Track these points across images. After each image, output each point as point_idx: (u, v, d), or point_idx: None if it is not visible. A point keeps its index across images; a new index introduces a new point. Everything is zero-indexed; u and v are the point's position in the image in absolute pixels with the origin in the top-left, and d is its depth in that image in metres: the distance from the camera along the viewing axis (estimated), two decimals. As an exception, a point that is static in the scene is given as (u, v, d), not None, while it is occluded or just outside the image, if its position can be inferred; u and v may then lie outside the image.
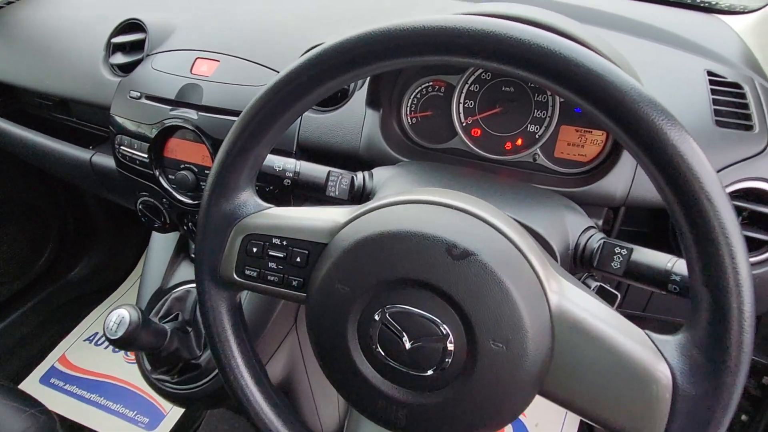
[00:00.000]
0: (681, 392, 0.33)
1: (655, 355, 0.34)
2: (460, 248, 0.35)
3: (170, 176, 0.73)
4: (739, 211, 0.55)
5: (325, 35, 0.69)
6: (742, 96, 0.62)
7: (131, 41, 0.79)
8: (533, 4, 0.71)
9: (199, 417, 1.24)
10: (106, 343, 1.44)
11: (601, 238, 0.48)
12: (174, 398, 0.80)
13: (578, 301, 0.36)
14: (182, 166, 0.72)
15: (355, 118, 0.65)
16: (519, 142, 0.64)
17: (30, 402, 0.82)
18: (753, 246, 0.55)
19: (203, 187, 0.70)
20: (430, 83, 0.67)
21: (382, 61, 0.35)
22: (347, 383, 0.41)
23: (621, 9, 0.79)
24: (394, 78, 0.66)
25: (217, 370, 0.78)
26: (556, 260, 0.47)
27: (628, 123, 0.30)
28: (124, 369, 1.38)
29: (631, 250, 0.45)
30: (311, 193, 0.56)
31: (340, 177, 0.55)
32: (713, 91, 0.61)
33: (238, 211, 0.44)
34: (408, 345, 0.37)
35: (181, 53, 0.73)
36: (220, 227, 0.44)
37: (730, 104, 0.62)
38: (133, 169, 0.75)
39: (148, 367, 0.79)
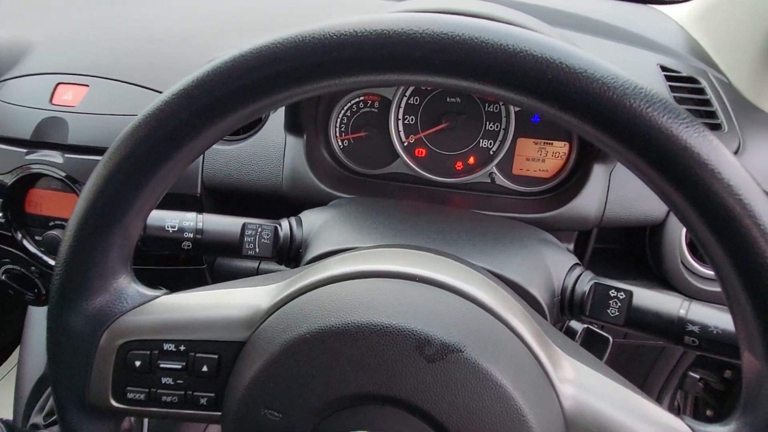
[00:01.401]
0: None
1: None
2: (436, 344, 0.25)
3: (36, 237, 0.57)
4: None
5: (221, 47, 0.55)
6: (701, 91, 0.56)
7: (-31, 65, 0.61)
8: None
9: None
10: None
11: (591, 279, 0.39)
12: None
13: (595, 389, 0.27)
14: (51, 223, 0.56)
15: (274, 148, 0.53)
16: (471, 160, 0.55)
17: None
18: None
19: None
20: (361, 98, 0.55)
21: (301, 85, 0.24)
22: None
23: (558, 3, 0.72)
24: (316, 95, 0.54)
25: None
26: (544, 316, 0.37)
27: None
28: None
29: (630, 294, 0.36)
30: (223, 257, 0.43)
31: (258, 230, 0.42)
32: (671, 88, 0.56)
33: (108, 310, 0.30)
34: None
35: (37, 78, 0.57)
36: (82, 339, 0.30)
37: (689, 101, 0.57)
38: (-14, 232, 0.58)
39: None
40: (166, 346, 0.30)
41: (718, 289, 0.24)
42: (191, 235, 0.41)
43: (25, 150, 0.54)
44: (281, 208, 0.50)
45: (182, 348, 0.30)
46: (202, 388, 0.30)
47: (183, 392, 0.30)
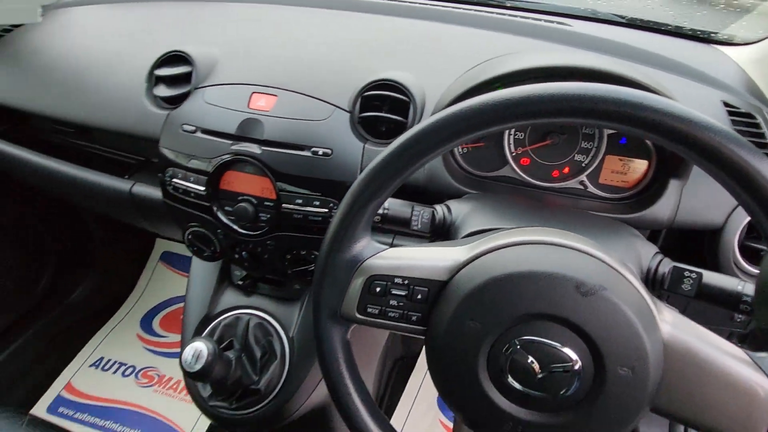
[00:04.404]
0: None
1: (755, 371, 0.40)
2: (588, 285, 0.40)
3: (227, 208, 0.74)
4: None
5: (380, 70, 0.72)
6: (757, 126, 0.70)
7: (175, 74, 0.79)
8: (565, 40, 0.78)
9: (222, 436, 1.24)
10: (114, 368, 1.42)
11: (670, 263, 0.54)
12: (229, 423, 0.81)
13: (684, 327, 0.42)
14: (240, 198, 0.73)
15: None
16: (566, 170, 0.70)
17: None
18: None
19: (262, 218, 0.73)
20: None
21: (518, 121, 0.40)
22: (473, 408, 0.45)
23: (626, 38, 0.85)
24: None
25: (274, 394, 0.80)
26: None
27: None
28: (137, 393, 1.35)
29: (701, 274, 0.51)
30: (395, 227, 0.59)
31: (422, 212, 0.59)
32: (732, 122, 0.69)
33: (360, 256, 0.48)
34: (539, 372, 0.42)
35: (234, 87, 0.74)
36: (343, 271, 0.47)
37: (747, 134, 0.70)
38: (186, 201, 0.76)
39: (204, 394, 0.80)
40: (396, 280, 0.47)
41: None
42: (381, 211, 0.58)
43: (230, 142, 0.71)
44: (415, 199, 0.65)
45: (406, 282, 0.47)
46: (415, 310, 0.47)
47: (402, 311, 0.47)
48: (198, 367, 0.64)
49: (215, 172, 0.72)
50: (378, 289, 0.47)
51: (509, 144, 0.71)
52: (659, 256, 0.55)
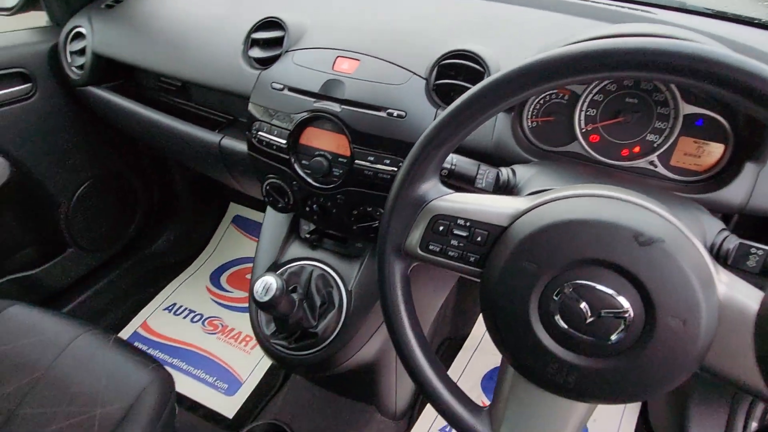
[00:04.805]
0: None
1: None
2: (647, 236, 0.42)
3: (303, 162, 0.81)
4: None
5: (458, 43, 0.75)
6: None
7: (269, 38, 0.87)
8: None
9: (274, 387, 1.33)
10: (184, 314, 1.55)
11: (737, 239, 0.53)
12: (286, 362, 0.88)
13: (740, 288, 0.42)
14: (317, 153, 0.79)
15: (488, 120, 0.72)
16: (636, 149, 0.70)
17: (148, 357, 0.91)
18: None
19: (335, 173, 0.78)
20: (555, 91, 0.73)
21: (603, 72, 0.41)
22: (520, 348, 0.48)
23: (713, 29, 0.83)
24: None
25: (329, 340, 0.86)
26: None
27: None
28: (203, 338, 1.48)
29: (767, 251, 0.51)
30: (460, 184, 0.63)
31: (487, 171, 0.62)
32: None
33: (427, 195, 0.52)
34: (589, 316, 0.44)
35: (321, 51, 0.81)
36: (411, 207, 0.51)
37: None
38: (268, 154, 0.83)
39: (267, 332, 0.87)
40: (459, 221, 0.50)
41: None
42: (449, 166, 0.61)
43: (313, 99, 0.78)
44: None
45: (468, 224, 0.50)
46: (474, 251, 0.50)
47: (461, 252, 0.51)
48: (267, 298, 0.71)
49: (297, 127, 0.78)
50: (441, 228, 0.51)
51: (580, 120, 0.72)
52: (725, 233, 0.55)
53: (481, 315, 1.46)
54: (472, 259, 0.50)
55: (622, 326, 0.43)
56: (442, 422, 1.22)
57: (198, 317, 1.54)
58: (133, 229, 1.57)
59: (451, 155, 0.63)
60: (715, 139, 0.66)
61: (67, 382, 0.84)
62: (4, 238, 1.28)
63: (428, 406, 1.24)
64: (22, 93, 1.15)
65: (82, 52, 1.13)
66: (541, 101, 0.74)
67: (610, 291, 0.43)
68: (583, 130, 0.72)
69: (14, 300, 0.95)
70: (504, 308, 0.48)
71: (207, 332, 1.49)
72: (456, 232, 0.50)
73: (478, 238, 0.50)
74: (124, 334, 1.48)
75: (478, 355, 1.39)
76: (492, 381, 1.32)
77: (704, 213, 0.57)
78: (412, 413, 1.25)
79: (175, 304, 1.58)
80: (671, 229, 0.43)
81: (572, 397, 0.47)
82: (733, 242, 0.53)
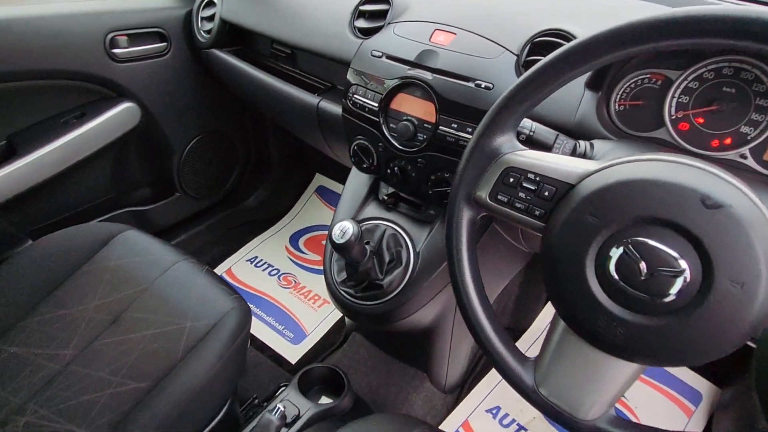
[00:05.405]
0: None
1: None
2: (714, 200, 0.43)
3: (391, 125, 0.88)
4: None
5: (553, 23, 0.78)
6: None
7: (375, 10, 0.94)
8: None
9: (335, 343, 1.42)
10: (263, 267, 1.70)
11: None
12: (351, 310, 0.96)
13: None
14: (404, 118, 0.85)
15: (572, 97, 0.74)
16: (727, 141, 0.68)
17: (232, 289, 1.03)
18: None
19: (419, 137, 0.84)
20: (648, 75, 0.73)
21: (683, 38, 0.43)
22: (572, 300, 0.50)
23: None
24: (618, 65, 0.73)
25: (393, 295, 0.92)
26: None
27: None
28: (277, 291, 1.61)
29: None
30: (537, 149, 0.66)
31: (565, 141, 0.64)
32: None
33: (503, 147, 0.56)
34: (644, 273, 0.45)
35: (421, 24, 0.87)
36: (486, 157, 0.56)
37: None
38: (360, 116, 0.91)
39: (337, 279, 0.95)
40: (529, 175, 0.54)
41: None
42: (527, 132, 0.64)
43: (407, 67, 0.84)
44: None
45: (537, 179, 0.53)
46: (540, 205, 0.53)
47: (528, 205, 0.54)
48: (343, 240, 0.78)
49: (390, 91, 0.85)
50: (511, 180, 0.54)
51: (671, 106, 0.71)
52: None
53: (542, 311, 1.45)
54: (537, 212, 0.54)
55: (678, 286, 0.44)
56: (489, 403, 1.24)
57: (275, 272, 1.68)
58: (230, 184, 1.74)
59: (531, 122, 0.66)
60: (820, 136, 0.63)
61: (165, 297, 0.97)
62: (128, 175, 1.49)
63: (478, 385, 1.27)
64: (158, 50, 1.33)
65: (211, 18, 1.29)
66: (632, 85, 0.74)
67: (669, 250, 0.44)
68: (673, 117, 0.71)
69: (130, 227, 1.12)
70: (562, 259, 0.50)
71: (281, 286, 1.62)
72: (525, 185, 0.54)
73: (546, 193, 0.53)
74: (212, 275, 1.65)
75: (534, 349, 1.39)
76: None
77: None
78: (461, 391, 1.28)
79: (256, 257, 1.73)
80: (740, 196, 0.44)
81: (617, 354, 0.49)
82: None
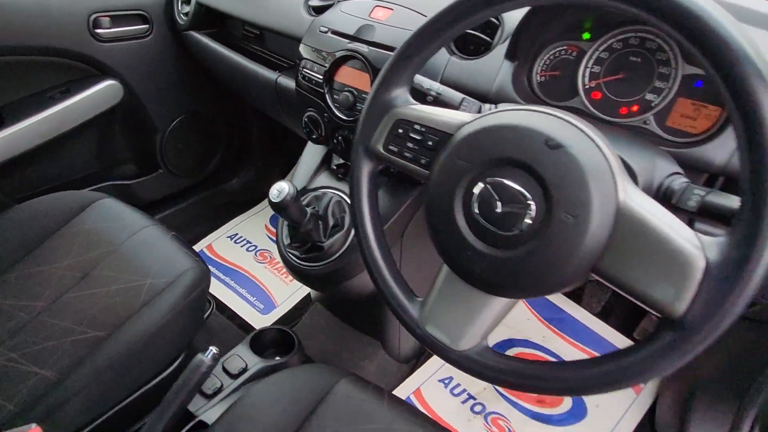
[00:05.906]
0: (709, 277, 0.41)
1: (697, 250, 0.42)
2: (555, 141, 0.47)
3: (335, 96, 0.93)
4: None
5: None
6: None
7: (327, -11, 1.00)
8: None
9: (300, 313, 1.48)
10: (242, 243, 1.76)
11: (685, 181, 0.55)
12: (297, 271, 1.01)
13: (642, 203, 0.46)
14: (346, 89, 0.91)
15: (492, 68, 0.78)
16: (635, 108, 0.72)
17: (194, 252, 1.09)
18: None
19: (358, 107, 0.89)
20: (565, 47, 0.77)
21: None
22: (446, 238, 0.54)
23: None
24: (534, 37, 0.77)
25: (335, 257, 0.97)
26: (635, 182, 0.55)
27: None
28: (253, 265, 1.68)
29: (708, 192, 0.52)
30: (446, 111, 0.70)
31: (470, 104, 0.69)
32: None
33: (395, 101, 0.60)
34: (499, 208, 0.50)
35: (365, 1, 0.92)
36: (381, 110, 0.61)
37: None
38: (309, 88, 0.96)
39: (285, 241, 1.01)
40: (415, 126, 0.58)
41: None
42: (434, 93, 0.69)
43: (347, 41, 0.89)
44: None
45: (422, 130, 0.58)
46: (425, 154, 0.58)
47: (415, 154, 0.59)
48: (279, 200, 0.83)
49: (333, 64, 0.90)
50: (400, 131, 0.59)
51: (584, 76, 0.75)
52: (678, 176, 0.57)
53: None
54: (423, 161, 0.58)
55: (525, 220, 0.48)
56: (443, 374, 1.28)
57: (253, 248, 1.74)
58: (212, 165, 1.81)
59: (439, 85, 0.71)
60: (714, 101, 0.67)
61: (130, 257, 1.04)
62: (113, 151, 1.57)
63: (432, 357, 1.31)
64: (140, 32, 1.41)
65: (189, 1, 1.36)
66: (551, 57, 0.78)
67: (519, 188, 0.48)
68: (586, 87, 0.75)
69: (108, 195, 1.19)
70: (436, 200, 0.55)
71: (257, 261, 1.69)
72: (412, 135, 0.58)
73: (429, 143, 0.57)
74: (192, 250, 1.73)
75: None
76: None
77: (662, 156, 0.59)
78: (416, 361, 1.32)
79: (236, 234, 1.80)
80: (582, 138, 0.48)
81: (481, 287, 0.53)
82: (679, 183, 0.55)
